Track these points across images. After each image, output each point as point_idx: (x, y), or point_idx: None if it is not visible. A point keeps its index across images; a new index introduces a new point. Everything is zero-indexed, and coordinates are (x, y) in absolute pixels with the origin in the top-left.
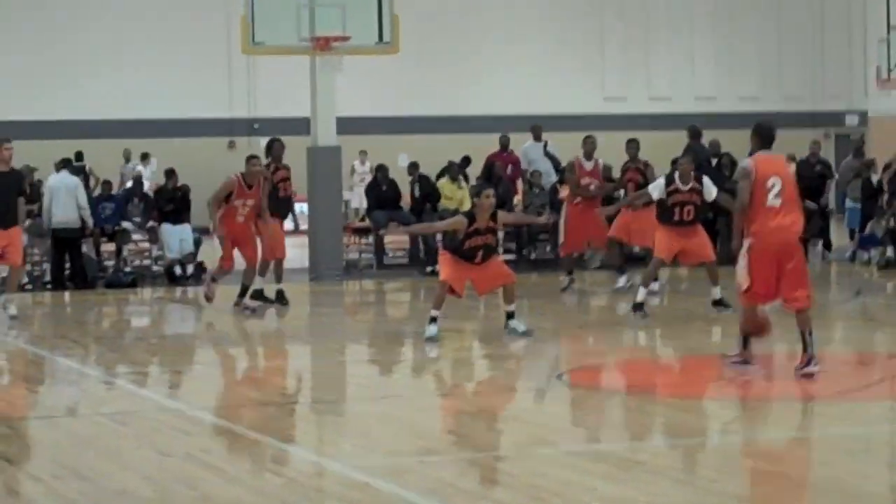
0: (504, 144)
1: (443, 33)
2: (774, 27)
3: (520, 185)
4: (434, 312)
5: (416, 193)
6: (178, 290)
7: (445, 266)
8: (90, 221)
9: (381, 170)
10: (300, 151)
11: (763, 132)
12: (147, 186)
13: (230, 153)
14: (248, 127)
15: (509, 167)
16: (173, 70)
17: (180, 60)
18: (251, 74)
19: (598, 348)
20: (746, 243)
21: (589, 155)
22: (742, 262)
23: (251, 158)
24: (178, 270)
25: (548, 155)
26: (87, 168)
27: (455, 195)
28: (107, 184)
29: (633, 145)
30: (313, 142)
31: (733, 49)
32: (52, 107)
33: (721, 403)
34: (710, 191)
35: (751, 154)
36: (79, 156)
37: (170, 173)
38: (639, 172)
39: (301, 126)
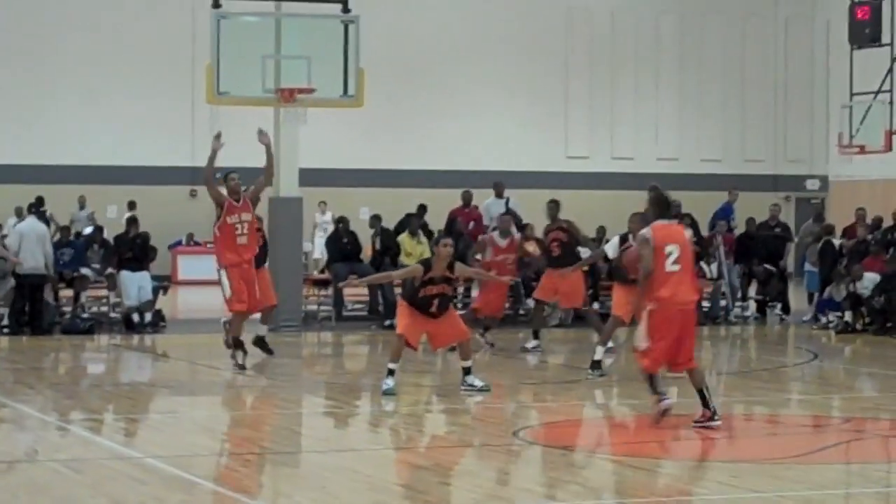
0: (466, 200)
1: (408, 87)
2: (738, 91)
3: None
4: (391, 365)
5: (377, 246)
6: (136, 338)
7: (402, 318)
8: (52, 268)
9: (342, 222)
10: (262, 202)
11: (659, 202)
12: (106, 233)
13: (191, 202)
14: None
15: (471, 223)
16: (136, 117)
17: (144, 107)
18: (214, 123)
19: (555, 406)
20: (648, 309)
21: (553, 218)
22: (643, 325)
23: (229, 175)
24: (136, 318)
25: (510, 212)
26: (47, 213)
27: (415, 250)
28: (65, 229)
29: (552, 206)
30: (275, 192)
31: (697, 111)
32: (10, 151)
33: (678, 463)
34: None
35: (648, 223)
36: (40, 201)
37: (131, 220)
38: (562, 231)
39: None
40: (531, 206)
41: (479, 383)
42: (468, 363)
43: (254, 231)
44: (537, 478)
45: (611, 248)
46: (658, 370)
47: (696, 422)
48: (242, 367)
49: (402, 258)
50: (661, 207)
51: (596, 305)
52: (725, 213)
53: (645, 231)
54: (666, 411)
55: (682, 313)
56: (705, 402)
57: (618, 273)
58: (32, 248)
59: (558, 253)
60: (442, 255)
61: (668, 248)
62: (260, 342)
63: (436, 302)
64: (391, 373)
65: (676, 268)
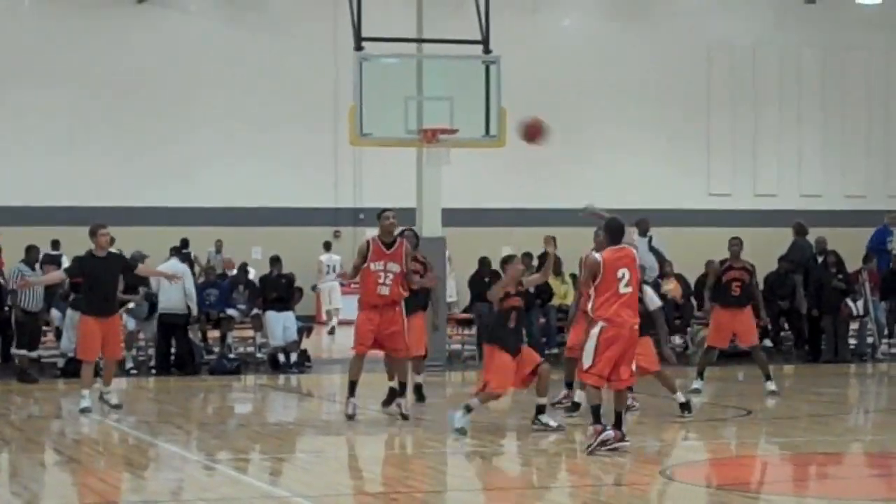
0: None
1: (550, 127)
2: (882, 125)
3: None
4: (473, 402)
5: None
6: (281, 378)
7: (491, 371)
8: (195, 309)
9: (483, 262)
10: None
11: (612, 230)
12: (252, 274)
13: (335, 243)
14: (353, 217)
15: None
16: (280, 159)
17: (287, 150)
18: (357, 164)
19: (702, 444)
20: (598, 327)
21: (735, 256)
22: (591, 343)
23: (384, 212)
24: (281, 358)
25: (653, 250)
26: (191, 255)
27: (559, 290)
28: (211, 270)
29: (736, 244)
30: (419, 232)
31: (840, 146)
32: (155, 194)
33: (823, 502)
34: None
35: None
36: (184, 243)
37: (275, 261)
38: (746, 272)
39: (407, 217)
40: (673, 244)
41: (553, 423)
42: (543, 400)
43: (398, 282)
44: None
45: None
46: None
47: (595, 444)
48: (351, 417)
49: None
50: (615, 234)
51: None
52: (882, 235)
53: (596, 255)
54: (604, 442)
55: (631, 333)
56: (618, 424)
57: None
58: (174, 287)
59: (739, 293)
60: (512, 275)
61: (620, 272)
62: (416, 390)
63: (514, 315)
64: (469, 409)
65: (629, 290)
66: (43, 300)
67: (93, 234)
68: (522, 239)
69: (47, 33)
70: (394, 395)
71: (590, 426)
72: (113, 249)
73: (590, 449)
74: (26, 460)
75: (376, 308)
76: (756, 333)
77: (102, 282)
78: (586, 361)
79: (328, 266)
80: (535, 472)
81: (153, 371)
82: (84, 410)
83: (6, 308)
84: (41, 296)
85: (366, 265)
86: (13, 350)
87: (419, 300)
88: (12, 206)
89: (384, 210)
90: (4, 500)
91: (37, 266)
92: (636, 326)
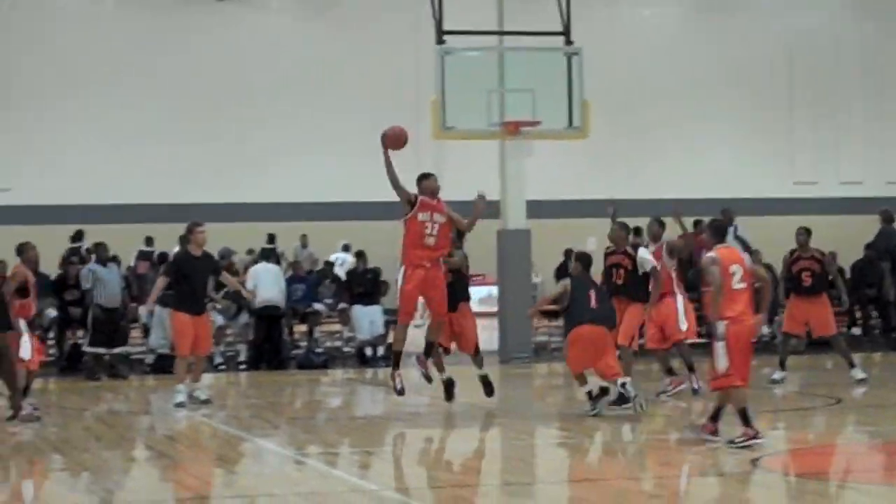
0: (700, 230)
1: (631, 116)
2: None
3: None
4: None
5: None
6: (369, 372)
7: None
8: (283, 305)
9: (568, 254)
10: (490, 234)
11: (717, 228)
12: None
13: None
14: None
15: (702, 250)
16: (362, 153)
17: (369, 144)
18: (439, 157)
19: (793, 434)
20: (722, 326)
21: (803, 246)
22: (720, 345)
23: (428, 176)
24: (368, 352)
25: (738, 238)
26: (277, 250)
27: None
28: (297, 265)
29: (803, 234)
30: (503, 225)
31: None
32: (243, 191)
33: None
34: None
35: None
36: (270, 238)
37: (360, 255)
38: (816, 261)
39: (488, 209)
40: (758, 233)
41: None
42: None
43: (446, 235)
44: None
45: None
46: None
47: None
48: (401, 392)
49: None
50: (719, 233)
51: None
52: None
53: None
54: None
55: (750, 331)
56: (746, 421)
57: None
58: (270, 282)
59: (810, 283)
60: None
61: (733, 268)
62: (483, 380)
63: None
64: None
65: (742, 286)
66: (120, 297)
67: (189, 231)
68: (607, 230)
69: (128, 32)
70: (449, 388)
71: (743, 428)
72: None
73: (737, 446)
74: (117, 456)
75: (422, 268)
76: (832, 323)
77: (196, 280)
78: (721, 365)
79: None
80: (624, 463)
81: (242, 366)
82: (179, 405)
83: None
84: (117, 293)
85: (412, 214)
86: (85, 347)
87: (459, 290)
88: (96, 203)
89: (427, 174)
90: (97, 496)
91: (109, 264)
92: (753, 322)
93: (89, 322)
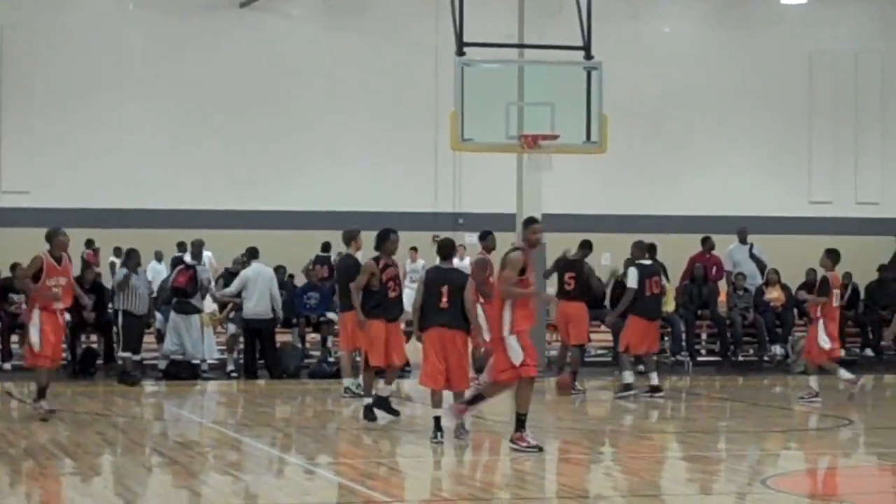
0: (710, 247)
1: (648, 133)
2: None
3: (723, 286)
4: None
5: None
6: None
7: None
8: (280, 313)
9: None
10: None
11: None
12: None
13: (434, 247)
14: (452, 221)
15: (713, 269)
16: (380, 164)
17: (388, 155)
18: (457, 169)
19: (802, 454)
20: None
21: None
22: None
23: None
24: None
25: (753, 257)
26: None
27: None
28: (311, 273)
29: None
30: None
31: None
32: (262, 199)
33: None
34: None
35: None
36: (325, 246)
37: None
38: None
39: (505, 222)
40: (773, 252)
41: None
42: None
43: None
44: None
45: None
46: None
47: None
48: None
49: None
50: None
51: None
52: None
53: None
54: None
55: None
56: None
57: None
58: (259, 292)
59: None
60: None
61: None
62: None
63: None
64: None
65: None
66: (148, 303)
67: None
68: (622, 244)
69: (151, 39)
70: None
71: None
72: (207, 252)
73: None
74: (129, 462)
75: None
76: None
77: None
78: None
79: (411, 274)
80: (632, 479)
81: (233, 375)
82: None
83: (108, 310)
84: (146, 299)
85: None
86: (119, 353)
87: (393, 307)
88: (118, 208)
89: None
90: (108, 501)
91: (139, 269)
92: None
93: (119, 327)
